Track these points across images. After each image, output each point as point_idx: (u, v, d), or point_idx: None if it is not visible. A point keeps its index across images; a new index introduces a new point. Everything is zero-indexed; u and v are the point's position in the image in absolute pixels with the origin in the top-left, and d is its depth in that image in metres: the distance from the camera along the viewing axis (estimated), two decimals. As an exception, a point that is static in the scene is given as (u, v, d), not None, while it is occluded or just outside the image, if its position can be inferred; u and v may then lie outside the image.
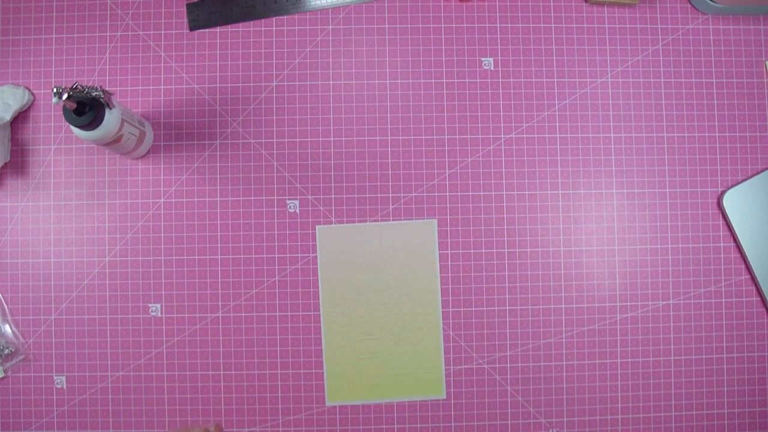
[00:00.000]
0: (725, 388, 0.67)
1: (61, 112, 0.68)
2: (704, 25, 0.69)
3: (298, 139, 0.67)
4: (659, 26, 0.69)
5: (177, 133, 0.67)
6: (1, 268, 0.66)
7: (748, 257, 0.67)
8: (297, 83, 0.68)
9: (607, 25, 0.69)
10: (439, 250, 0.67)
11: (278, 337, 0.66)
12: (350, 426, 0.66)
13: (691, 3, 0.70)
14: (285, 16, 0.68)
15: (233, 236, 0.67)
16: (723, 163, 0.68)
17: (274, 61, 0.68)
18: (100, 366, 0.66)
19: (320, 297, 0.66)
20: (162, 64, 0.68)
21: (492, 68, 0.68)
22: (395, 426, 0.66)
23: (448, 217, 0.67)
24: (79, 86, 0.52)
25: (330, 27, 0.68)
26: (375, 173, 0.67)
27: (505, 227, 0.67)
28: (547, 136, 0.68)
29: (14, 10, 0.68)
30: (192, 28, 0.68)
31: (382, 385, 0.66)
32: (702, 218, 0.68)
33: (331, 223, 0.67)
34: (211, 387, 0.66)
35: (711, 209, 0.68)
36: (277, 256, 0.67)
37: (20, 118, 0.67)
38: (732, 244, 0.68)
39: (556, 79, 0.68)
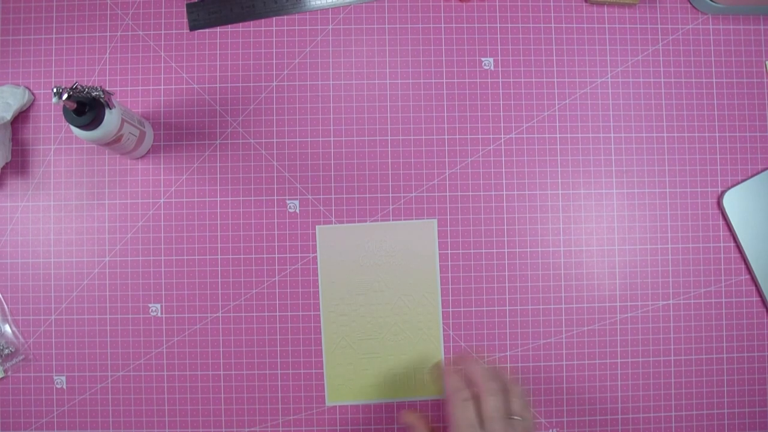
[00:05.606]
0: (725, 388, 0.67)
1: (61, 112, 0.68)
2: (704, 25, 0.69)
3: (298, 139, 0.67)
4: (659, 26, 0.69)
5: (177, 133, 0.67)
6: (1, 268, 0.66)
7: (748, 257, 0.67)
8: (297, 83, 0.68)
9: (607, 25, 0.69)
10: (439, 250, 0.67)
11: (278, 337, 0.66)
12: (350, 426, 0.66)
13: (691, 3, 0.70)
14: (285, 16, 0.68)
15: (233, 236, 0.67)
16: (723, 163, 0.68)
17: (274, 61, 0.68)
18: (100, 366, 0.66)
19: (320, 297, 0.66)
20: (162, 64, 0.68)
21: (492, 68, 0.68)
22: (395, 426, 0.66)
23: (448, 217, 0.67)
24: (79, 86, 0.52)
25: (330, 27, 0.68)
26: (375, 173, 0.67)
27: (505, 227, 0.67)
28: (547, 136, 0.68)
29: (14, 10, 0.68)
30: (192, 28, 0.68)
31: (382, 385, 0.66)
32: (702, 218, 0.68)
33: (331, 223, 0.67)
34: (211, 387, 0.66)
35: (711, 209, 0.68)
36: (277, 256, 0.67)
37: (20, 118, 0.67)
38: (732, 244, 0.68)
39: (556, 79, 0.68)
